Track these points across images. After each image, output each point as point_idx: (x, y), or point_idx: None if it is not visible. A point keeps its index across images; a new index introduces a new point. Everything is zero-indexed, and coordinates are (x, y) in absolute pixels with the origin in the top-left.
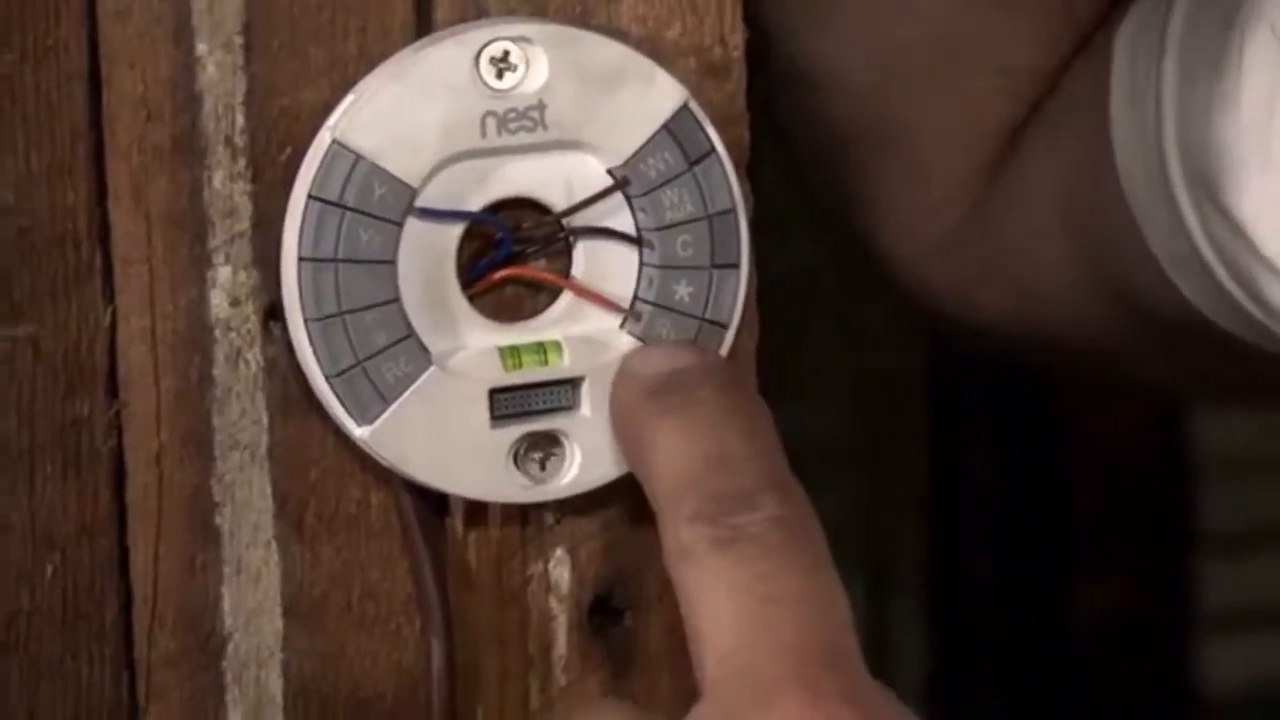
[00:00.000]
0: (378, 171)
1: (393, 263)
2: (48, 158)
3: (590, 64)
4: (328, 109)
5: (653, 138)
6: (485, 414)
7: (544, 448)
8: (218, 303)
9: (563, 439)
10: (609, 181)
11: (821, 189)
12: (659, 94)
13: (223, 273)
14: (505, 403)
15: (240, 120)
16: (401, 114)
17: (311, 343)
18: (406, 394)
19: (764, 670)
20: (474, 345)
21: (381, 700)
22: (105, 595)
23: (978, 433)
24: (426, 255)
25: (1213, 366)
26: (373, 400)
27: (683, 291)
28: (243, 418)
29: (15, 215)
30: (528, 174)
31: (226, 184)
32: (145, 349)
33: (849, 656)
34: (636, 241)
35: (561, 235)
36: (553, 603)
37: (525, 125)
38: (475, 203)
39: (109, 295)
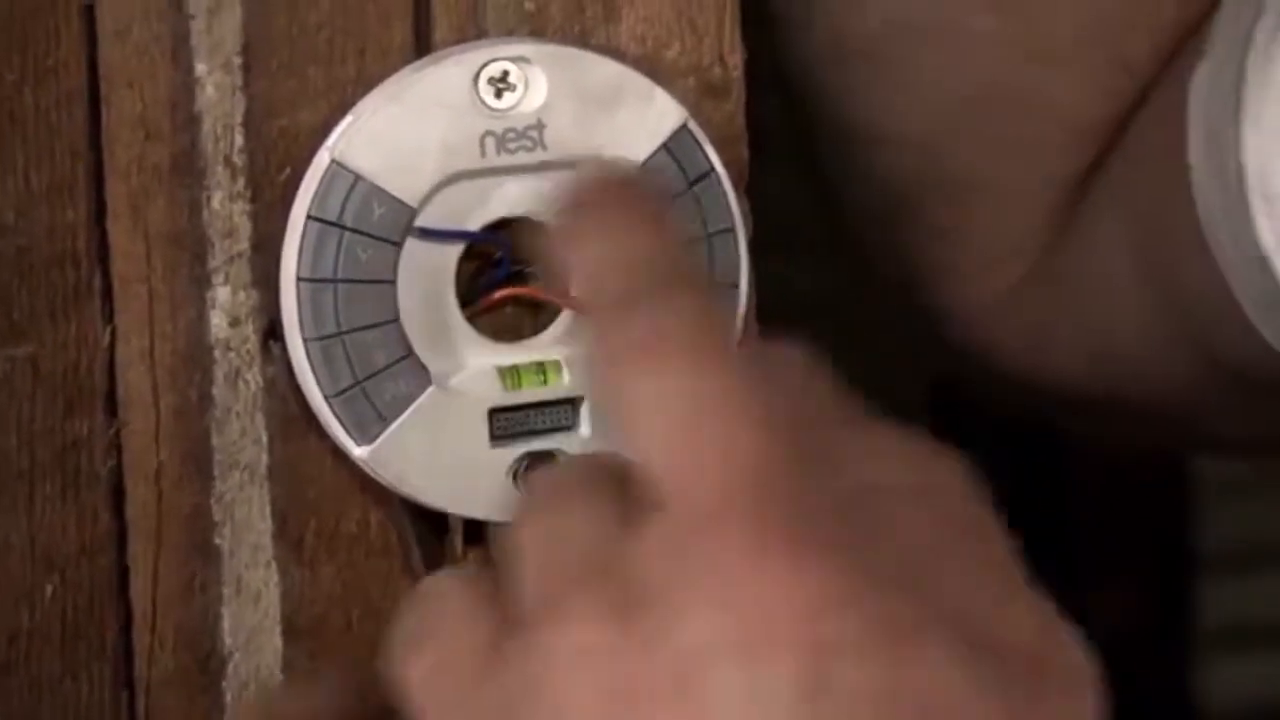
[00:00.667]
0: (377, 192)
1: (392, 282)
2: (47, 177)
3: (589, 84)
4: (326, 129)
5: (651, 157)
6: (485, 434)
7: (543, 467)
8: (217, 322)
9: (562, 459)
10: None
11: (876, 250)
12: (658, 114)
13: (222, 293)
14: (505, 422)
15: (239, 140)
16: (400, 134)
17: (311, 362)
18: (406, 414)
19: (696, 499)
20: (473, 365)
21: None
22: (105, 615)
23: (978, 451)
24: (426, 275)
25: None
26: (372, 420)
27: None
28: (242, 437)
29: (14, 235)
30: (527, 194)
31: (226, 204)
32: (144, 369)
33: (788, 458)
34: None
35: None
36: None
37: (524, 145)
38: (474, 222)
39: (108, 315)
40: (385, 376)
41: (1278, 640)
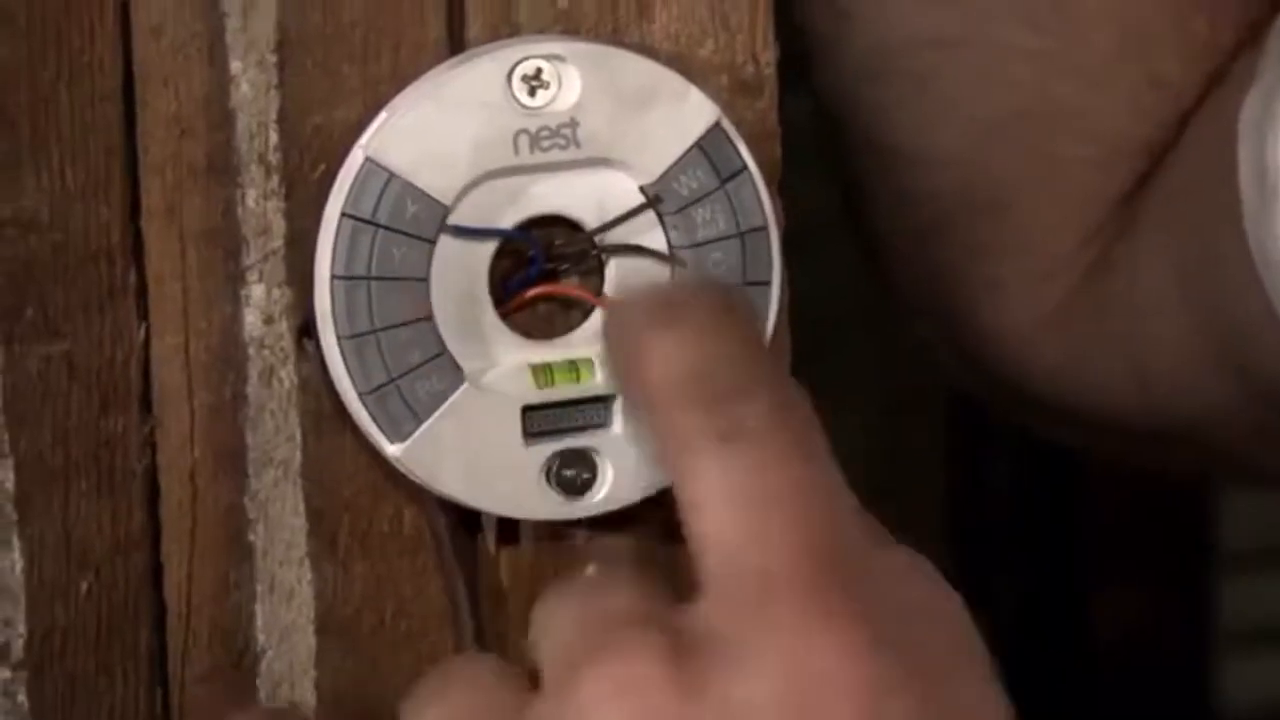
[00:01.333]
0: (411, 189)
1: (425, 280)
2: (82, 175)
3: (622, 82)
4: (361, 127)
5: (685, 155)
6: (517, 431)
7: (576, 465)
8: (251, 320)
9: (595, 456)
10: (641, 199)
11: (908, 270)
12: (691, 112)
13: (256, 290)
14: (537, 420)
15: (274, 138)
16: (434, 132)
17: (345, 360)
18: (439, 411)
19: (763, 567)
20: (506, 363)
21: None
22: (139, 612)
23: (996, 451)
24: (459, 273)
25: None
26: (405, 418)
27: None
28: (276, 435)
29: (50, 232)
30: (560, 192)
31: (260, 202)
32: (179, 366)
33: (851, 547)
34: (669, 259)
35: (594, 253)
36: None
37: (558, 143)
38: (508, 220)
39: (143, 312)
40: (418, 374)
41: None
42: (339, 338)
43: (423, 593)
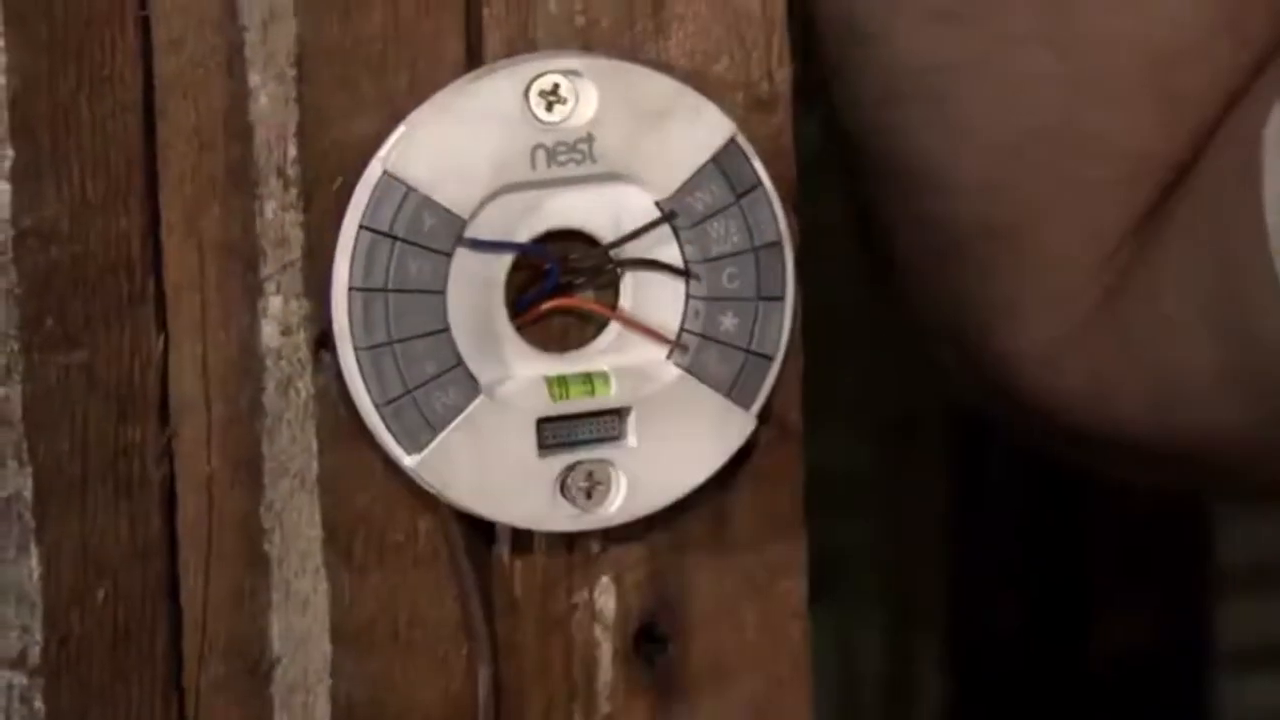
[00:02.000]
0: (428, 203)
1: (442, 293)
2: (103, 186)
3: (639, 97)
4: (379, 140)
5: (700, 171)
6: (533, 443)
7: (590, 477)
8: (269, 331)
9: (609, 468)
10: (656, 214)
11: (926, 293)
12: (707, 127)
13: (274, 302)
14: (552, 432)
15: (292, 151)
16: (452, 146)
17: (361, 371)
18: (455, 423)
19: None
20: (522, 375)
21: None
22: (155, 620)
23: (997, 469)
24: (476, 286)
25: None
26: (421, 429)
27: (728, 323)
28: (293, 445)
29: (70, 243)
30: (576, 206)
31: (278, 214)
32: (197, 376)
33: None
34: (683, 273)
35: (609, 267)
36: (597, 631)
37: (574, 158)
38: (524, 234)
39: (161, 323)
40: (435, 386)
41: None
42: (356, 349)
43: (437, 603)
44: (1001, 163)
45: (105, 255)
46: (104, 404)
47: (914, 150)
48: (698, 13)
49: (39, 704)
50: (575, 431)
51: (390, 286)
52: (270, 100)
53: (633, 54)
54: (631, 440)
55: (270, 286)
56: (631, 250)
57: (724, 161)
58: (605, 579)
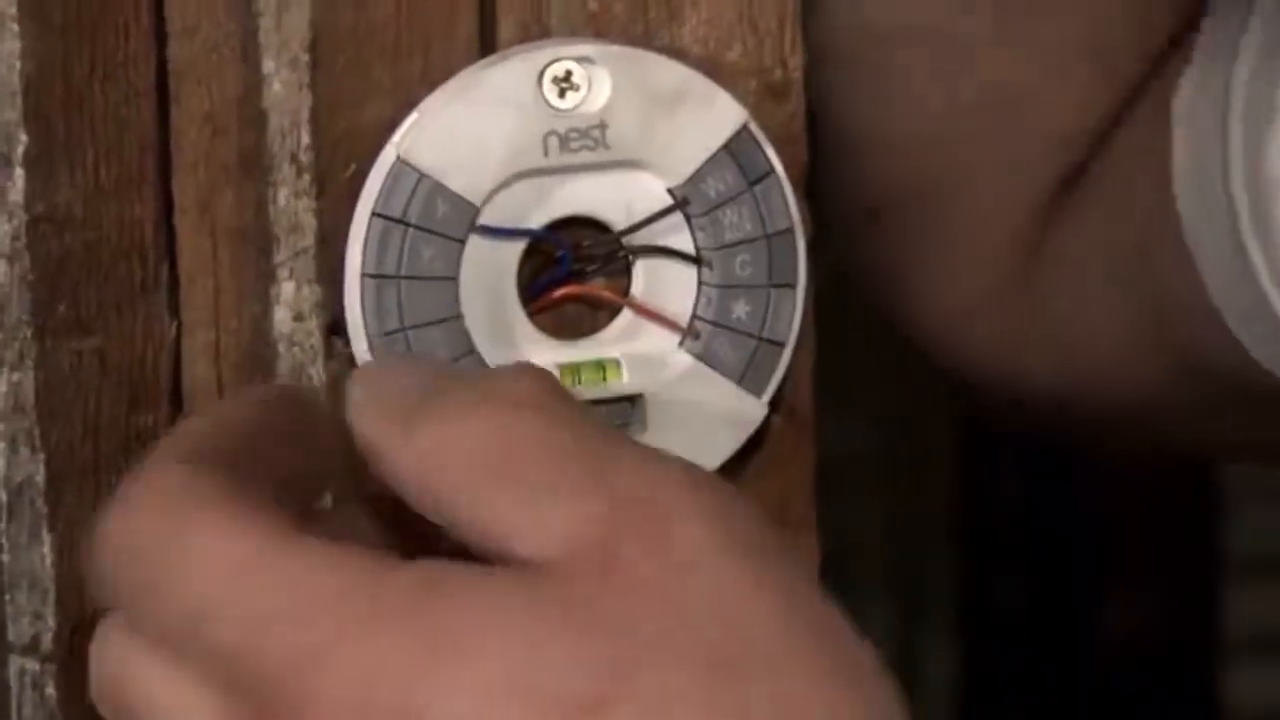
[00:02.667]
0: (441, 189)
1: (455, 279)
2: (116, 172)
3: (652, 84)
4: (392, 127)
5: (712, 158)
6: None
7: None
8: (281, 317)
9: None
10: (669, 201)
11: (860, 257)
12: (719, 115)
13: (287, 288)
14: None
15: (305, 137)
16: (465, 132)
17: (374, 358)
18: None
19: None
20: (534, 362)
21: None
22: None
23: (1006, 456)
24: (488, 272)
25: (1265, 427)
26: None
27: (740, 310)
28: None
29: (83, 228)
30: (588, 193)
31: (291, 200)
32: (209, 363)
33: None
34: (695, 261)
35: (621, 254)
36: None
37: (587, 144)
38: (536, 221)
39: (174, 309)
40: None
41: None
42: (369, 336)
43: None
44: (939, 128)
45: (118, 241)
46: (116, 390)
47: (854, 113)
48: (711, 0)
49: (51, 690)
50: None
51: (403, 273)
52: (284, 86)
53: (646, 41)
54: (643, 427)
55: (283, 273)
56: (643, 237)
57: (736, 149)
58: None
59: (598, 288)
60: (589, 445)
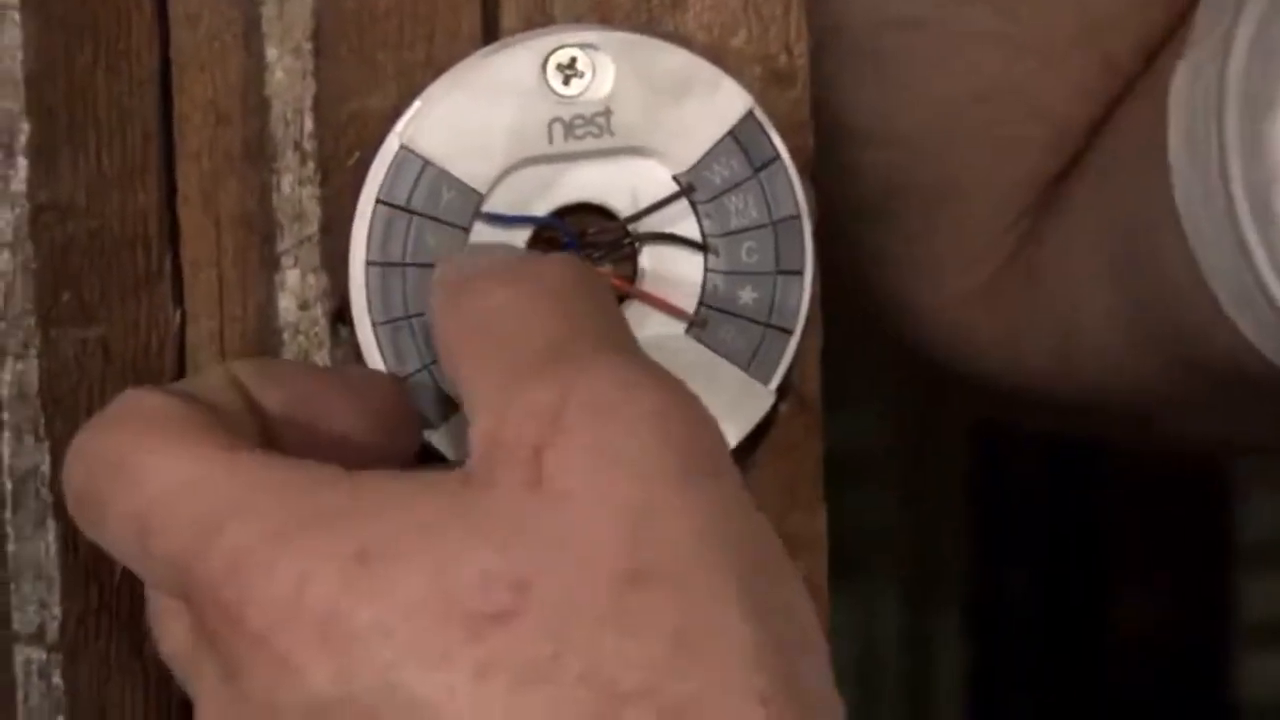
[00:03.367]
0: (445, 176)
1: None
2: (119, 160)
3: (656, 71)
4: (396, 114)
5: (718, 144)
6: None
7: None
8: (286, 305)
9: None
10: (674, 188)
11: (858, 249)
12: (724, 101)
13: (291, 276)
14: None
15: (309, 125)
16: (469, 120)
17: (379, 346)
18: None
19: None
20: None
21: None
22: None
23: (1017, 445)
24: None
25: (1262, 417)
26: (439, 403)
27: (747, 297)
28: None
29: (87, 217)
30: (594, 180)
31: (295, 188)
32: (214, 351)
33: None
34: (701, 247)
35: (627, 241)
36: None
37: (591, 131)
38: (541, 208)
39: (178, 297)
40: None
41: None
42: (374, 323)
43: None
44: (936, 120)
45: (122, 230)
46: (121, 379)
47: (851, 104)
48: None
49: (57, 680)
50: None
51: (408, 260)
52: (287, 74)
53: (650, 27)
54: None
55: (287, 261)
56: (649, 224)
57: (742, 135)
58: None
59: (604, 275)
60: (576, 341)
